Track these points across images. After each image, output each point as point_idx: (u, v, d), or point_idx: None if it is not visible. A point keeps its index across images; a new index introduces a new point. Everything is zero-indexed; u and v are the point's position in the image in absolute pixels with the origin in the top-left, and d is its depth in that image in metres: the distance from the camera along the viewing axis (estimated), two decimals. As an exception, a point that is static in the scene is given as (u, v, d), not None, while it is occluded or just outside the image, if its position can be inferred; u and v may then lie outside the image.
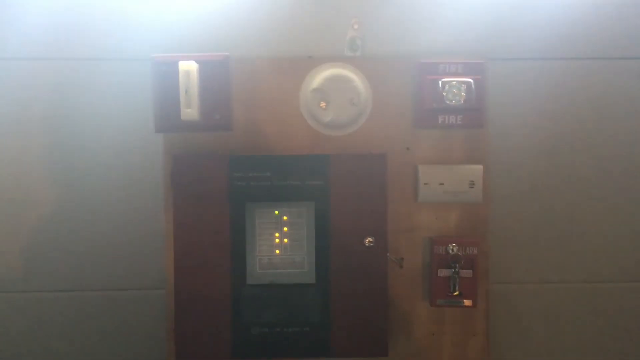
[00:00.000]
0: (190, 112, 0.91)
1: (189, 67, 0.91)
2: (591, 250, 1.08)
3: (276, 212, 0.97)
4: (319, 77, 0.98)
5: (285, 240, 0.97)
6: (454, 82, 0.95)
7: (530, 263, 1.07)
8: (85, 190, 1.04)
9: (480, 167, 0.99)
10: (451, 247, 0.97)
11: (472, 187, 0.99)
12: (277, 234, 0.97)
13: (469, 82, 0.95)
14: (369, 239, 0.95)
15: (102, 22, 1.01)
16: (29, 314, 1.06)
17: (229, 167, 0.95)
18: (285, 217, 0.97)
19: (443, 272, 0.97)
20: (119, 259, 1.05)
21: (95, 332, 1.06)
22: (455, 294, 0.98)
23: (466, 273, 0.97)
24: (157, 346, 1.05)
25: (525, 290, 1.08)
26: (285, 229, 0.97)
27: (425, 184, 0.99)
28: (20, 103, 1.02)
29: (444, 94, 0.95)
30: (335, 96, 0.97)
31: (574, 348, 1.09)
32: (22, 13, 1.01)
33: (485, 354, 1.02)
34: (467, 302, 0.98)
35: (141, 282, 1.05)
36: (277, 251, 0.97)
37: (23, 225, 1.04)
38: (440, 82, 0.95)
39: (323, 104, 0.97)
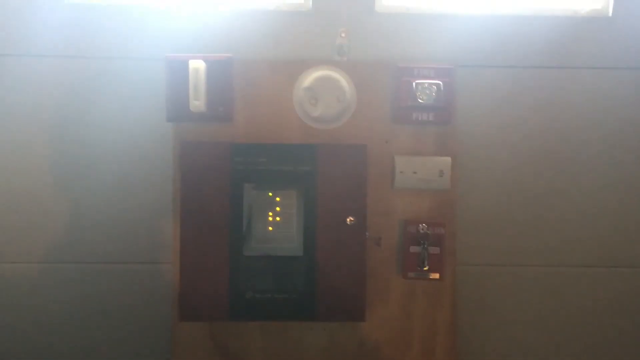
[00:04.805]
0: (198, 104, 1.06)
1: (197, 65, 1.06)
2: (550, 236, 1.22)
3: (270, 193, 1.11)
4: (310, 77, 1.12)
5: (278, 218, 1.11)
6: (426, 84, 1.09)
7: (494, 247, 1.21)
8: (102, 175, 1.18)
9: (449, 158, 1.13)
10: (421, 227, 1.11)
11: (442, 176, 1.13)
12: (270, 213, 1.11)
13: (438, 84, 1.09)
14: (350, 218, 1.09)
15: (120, 24, 1.15)
16: (62, 284, 1.19)
17: (230, 153, 1.09)
18: (277, 198, 1.11)
19: (414, 249, 1.11)
20: (130, 234, 1.18)
21: (106, 300, 1.20)
22: (424, 269, 1.11)
23: (434, 250, 1.11)
24: (164, 312, 1.18)
25: (489, 272, 1.22)
26: (278, 208, 1.11)
27: (400, 172, 1.13)
28: (46, 97, 1.16)
29: (417, 93, 1.10)
30: (323, 94, 1.11)
31: (531, 323, 1.23)
32: (49, 12, 1.15)
33: (451, 324, 1.15)
34: (434, 275, 1.11)
35: (149, 256, 1.19)
36: (270, 228, 1.11)
37: (49, 204, 1.17)
38: (414, 84, 1.10)
39: (313, 101, 1.11)
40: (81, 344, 1.20)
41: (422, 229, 1.11)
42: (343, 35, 1.14)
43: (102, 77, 1.16)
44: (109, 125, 1.17)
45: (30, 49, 1.15)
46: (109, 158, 1.17)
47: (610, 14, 1.18)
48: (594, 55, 1.18)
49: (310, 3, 1.16)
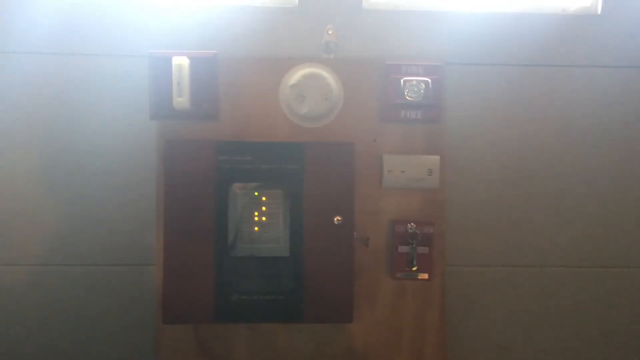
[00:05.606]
0: (181, 100, 1.04)
1: (181, 61, 1.04)
2: (540, 236, 1.21)
3: (256, 193, 1.09)
4: (297, 75, 1.10)
5: (264, 218, 1.09)
6: (414, 81, 1.08)
7: (484, 247, 1.20)
8: (85, 174, 1.15)
9: (438, 157, 1.12)
10: (410, 226, 1.09)
11: (430, 175, 1.11)
12: (256, 213, 1.09)
13: (427, 81, 1.08)
14: (338, 217, 1.07)
15: (103, 20, 1.13)
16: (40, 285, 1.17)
17: (215, 151, 1.07)
18: (264, 198, 1.09)
19: (402, 249, 1.10)
20: (114, 236, 1.16)
21: (90, 303, 1.17)
22: (413, 269, 1.10)
23: (423, 250, 1.10)
24: (148, 315, 1.16)
25: (479, 272, 1.20)
26: (264, 208, 1.09)
27: (389, 171, 1.11)
28: (27, 95, 1.14)
29: (406, 91, 1.08)
30: (310, 92, 1.09)
31: (521, 324, 1.22)
32: (30, 9, 1.12)
33: (440, 324, 1.13)
34: (422, 276, 1.10)
35: (134, 258, 1.16)
36: (256, 228, 1.09)
37: (30, 206, 1.15)
38: (402, 81, 1.08)
39: (300, 99, 1.09)
40: (66, 345, 1.18)
41: (411, 229, 1.09)
42: (330, 32, 1.12)
43: (85, 75, 1.14)
44: (91, 123, 1.15)
45: (11, 46, 1.13)
46: (92, 157, 1.15)
47: (599, 11, 1.18)
48: (583, 53, 1.18)
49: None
